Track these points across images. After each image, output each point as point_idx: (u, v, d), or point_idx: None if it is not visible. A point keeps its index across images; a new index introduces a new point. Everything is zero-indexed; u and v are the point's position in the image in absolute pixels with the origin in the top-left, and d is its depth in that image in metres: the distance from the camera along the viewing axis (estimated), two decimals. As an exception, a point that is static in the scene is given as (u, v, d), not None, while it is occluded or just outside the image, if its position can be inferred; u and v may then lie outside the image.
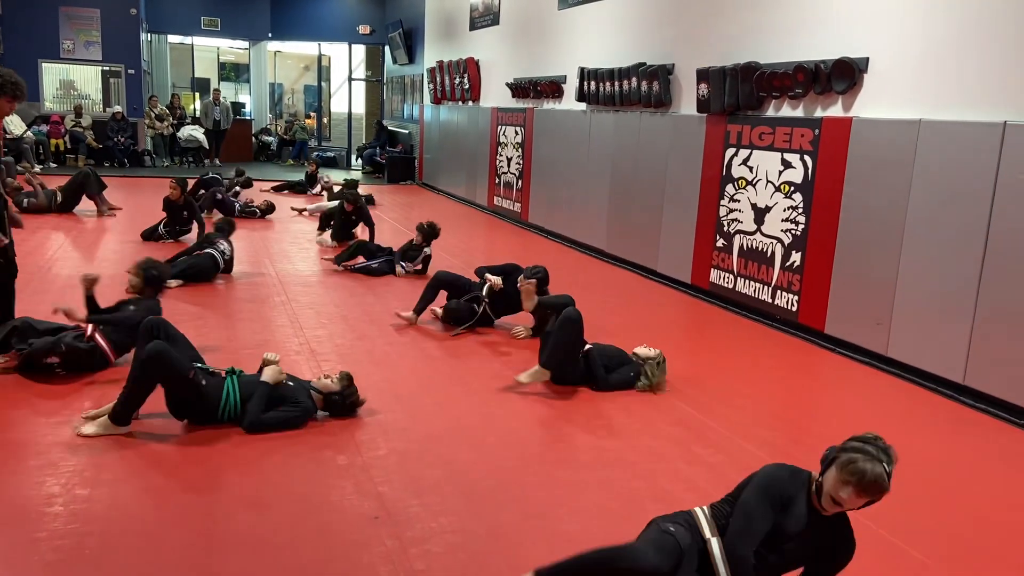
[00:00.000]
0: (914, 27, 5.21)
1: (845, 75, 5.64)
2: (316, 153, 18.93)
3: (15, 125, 13.89)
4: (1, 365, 4.35)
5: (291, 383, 3.95)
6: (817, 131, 5.89)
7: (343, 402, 3.96)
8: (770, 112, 6.44)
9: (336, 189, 11.08)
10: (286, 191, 13.19)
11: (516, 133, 11.26)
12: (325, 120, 21.80)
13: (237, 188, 11.41)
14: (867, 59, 5.54)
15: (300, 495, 3.21)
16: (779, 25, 6.34)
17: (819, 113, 5.95)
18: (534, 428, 4.07)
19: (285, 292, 6.60)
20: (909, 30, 5.24)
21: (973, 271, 4.75)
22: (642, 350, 4.77)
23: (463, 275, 5.97)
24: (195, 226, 8.45)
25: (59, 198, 9.87)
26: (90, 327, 4.42)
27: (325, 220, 9.24)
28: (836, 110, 5.81)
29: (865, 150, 5.50)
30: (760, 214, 6.53)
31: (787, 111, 6.27)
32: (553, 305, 4.61)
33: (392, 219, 10.94)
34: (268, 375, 3.84)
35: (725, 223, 6.95)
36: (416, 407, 4.25)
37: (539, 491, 3.35)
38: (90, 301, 4.58)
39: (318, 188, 12.79)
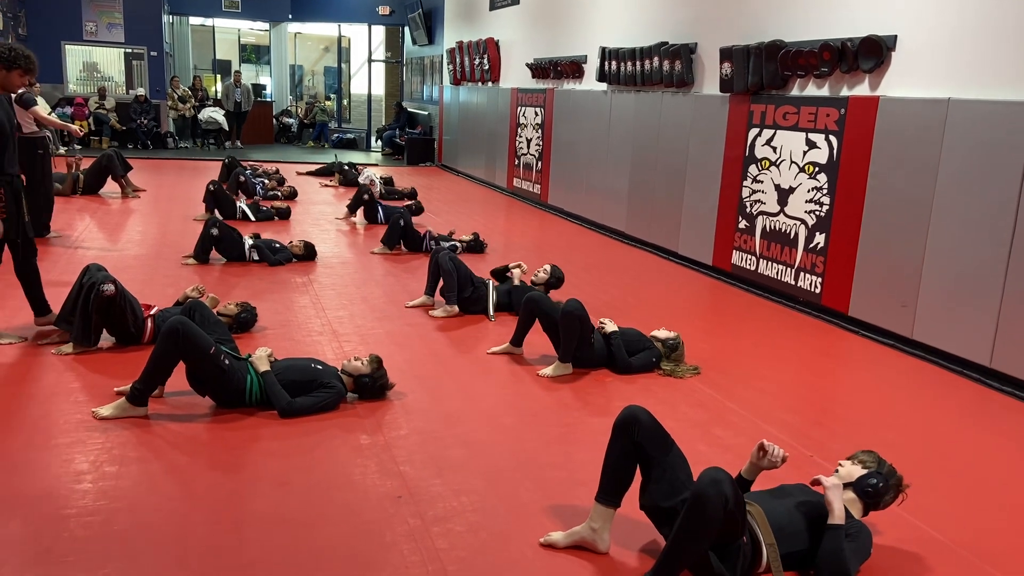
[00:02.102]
0: (943, 4, 5.10)
1: (872, 53, 5.54)
2: (336, 135, 18.97)
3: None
4: (56, 345, 4.47)
5: (319, 366, 3.97)
6: (843, 110, 5.80)
7: (373, 385, 3.98)
8: (795, 91, 6.35)
9: (377, 186, 10.41)
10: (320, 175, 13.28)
11: (536, 114, 11.19)
12: (345, 102, 21.82)
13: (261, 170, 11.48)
14: (895, 36, 5.43)
15: (323, 474, 3.24)
16: (804, 2, 6.23)
17: (845, 92, 5.86)
18: (553, 409, 4.07)
19: (306, 273, 6.64)
20: (938, 7, 5.13)
21: (1001, 252, 4.67)
22: (660, 333, 4.76)
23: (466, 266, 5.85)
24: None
25: (81, 182, 9.97)
26: (155, 308, 4.71)
27: (355, 202, 9.23)
28: (862, 89, 5.72)
29: (892, 130, 5.41)
30: (784, 195, 6.46)
31: (812, 90, 6.18)
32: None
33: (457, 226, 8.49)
34: (259, 364, 3.82)
35: (748, 204, 6.89)
36: (436, 388, 4.27)
37: (559, 471, 3.36)
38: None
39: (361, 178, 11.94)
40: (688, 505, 2.36)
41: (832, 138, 5.92)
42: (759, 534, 2.56)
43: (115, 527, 2.77)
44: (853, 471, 2.78)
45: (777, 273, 6.56)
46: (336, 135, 19.02)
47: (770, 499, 2.73)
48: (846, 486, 2.75)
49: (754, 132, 6.76)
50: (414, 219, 8.37)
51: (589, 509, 2.79)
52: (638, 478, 2.73)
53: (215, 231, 6.71)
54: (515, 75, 12.11)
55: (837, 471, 2.80)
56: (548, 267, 5.79)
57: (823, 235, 6.04)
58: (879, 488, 2.74)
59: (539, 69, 10.92)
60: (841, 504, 2.60)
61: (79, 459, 3.24)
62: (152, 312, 4.65)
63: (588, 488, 2.86)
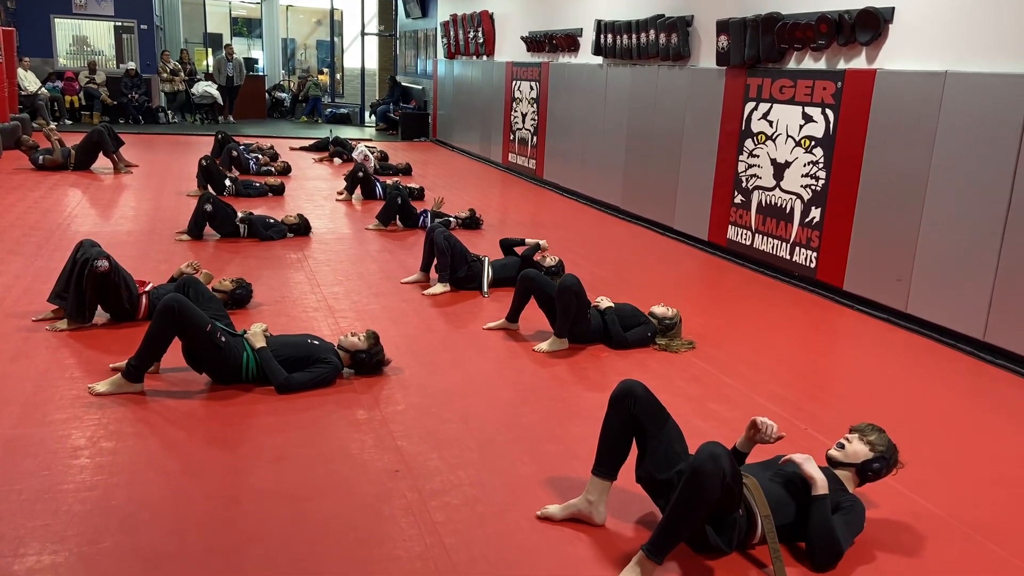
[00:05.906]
0: (943, -25, 5.05)
1: (870, 25, 5.50)
2: (329, 110, 18.80)
3: (30, 81, 13.88)
4: (50, 322, 4.46)
5: (316, 342, 3.97)
6: (839, 84, 5.77)
7: (370, 360, 3.98)
8: (791, 64, 6.31)
9: (371, 160, 10.38)
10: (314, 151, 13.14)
11: (531, 88, 11.11)
12: (338, 76, 21.62)
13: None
14: (892, 9, 5.39)
15: (321, 449, 3.25)
16: (802, -26, 6.17)
17: (842, 65, 5.82)
18: (549, 384, 4.09)
19: (301, 249, 6.62)
20: (937, -22, 5.09)
21: (996, 227, 4.68)
22: (659, 309, 4.77)
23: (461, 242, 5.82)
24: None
25: (73, 157, 9.88)
26: (149, 285, 4.69)
27: (351, 181, 9.12)
28: (859, 62, 5.68)
29: (889, 103, 5.39)
30: (779, 169, 6.44)
31: (809, 63, 6.14)
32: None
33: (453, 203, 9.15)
34: (255, 340, 3.81)
35: (743, 179, 6.87)
36: (432, 363, 4.27)
37: (555, 445, 3.38)
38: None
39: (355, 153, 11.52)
40: (686, 478, 2.38)
41: (828, 112, 5.90)
42: (755, 506, 2.58)
43: (113, 502, 2.78)
44: (860, 451, 2.78)
45: (772, 248, 6.56)
46: (329, 110, 18.86)
47: (764, 471, 2.75)
48: (850, 465, 2.77)
49: (750, 106, 6.73)
50: (416, 203, 8.35)
51: (585, 482, 2.81)
52: (634, 451, 2.75)
53: (209, 207, 6.67)
54: (510, 49, 12.00)
55: (843, 446, 2.81)
56: (556, 257, 5.83)
57: (819, 209, 6.04)
58: (881, 473, 2.79)
59: (534, 42, 10.82)
60: (820, 473, 2.64)
61: (76, 435, 3.25)
62: (147, 288, 4.63)
63: (584, 461, 2.87)
